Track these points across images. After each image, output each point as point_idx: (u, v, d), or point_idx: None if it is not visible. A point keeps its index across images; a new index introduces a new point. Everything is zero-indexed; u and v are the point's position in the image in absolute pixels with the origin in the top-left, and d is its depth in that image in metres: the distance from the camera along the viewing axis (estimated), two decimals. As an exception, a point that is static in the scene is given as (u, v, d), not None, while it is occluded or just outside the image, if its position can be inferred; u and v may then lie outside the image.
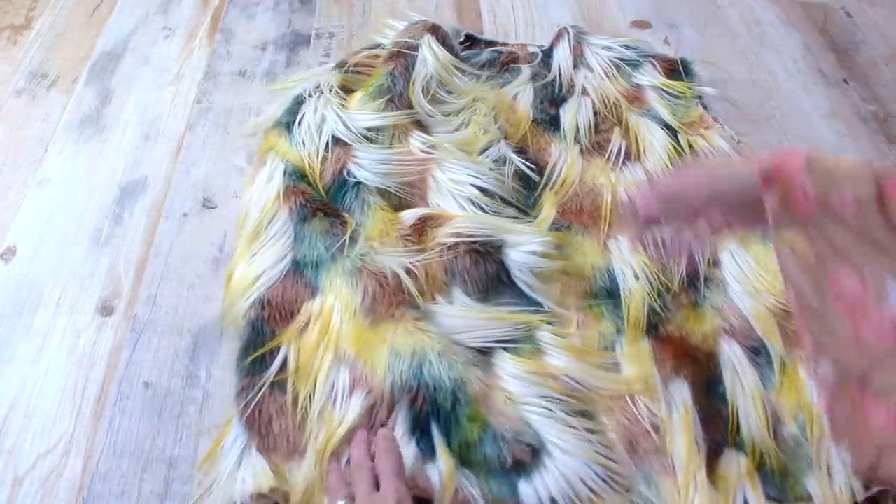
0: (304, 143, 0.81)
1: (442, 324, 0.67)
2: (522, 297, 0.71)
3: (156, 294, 0.74)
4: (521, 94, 0.92)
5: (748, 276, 0.73)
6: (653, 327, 0.70)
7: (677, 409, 0.63)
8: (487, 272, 0.70)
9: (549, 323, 0.69)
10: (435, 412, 0.61)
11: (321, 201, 0.76)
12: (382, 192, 0.78)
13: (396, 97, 0.86)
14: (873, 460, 0.45)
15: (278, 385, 0.64)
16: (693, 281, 0.74)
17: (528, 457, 0.59)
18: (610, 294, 0.73)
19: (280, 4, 1.11)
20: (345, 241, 0.71)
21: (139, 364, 0.69)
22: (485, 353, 0.66)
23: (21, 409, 0.66)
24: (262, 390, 0.63)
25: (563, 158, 0.84)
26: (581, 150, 0.86)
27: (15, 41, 1.04)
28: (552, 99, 0.92)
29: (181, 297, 0.74)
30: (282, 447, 0.61)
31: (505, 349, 0.66)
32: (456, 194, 0.77)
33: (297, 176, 0.78)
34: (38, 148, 0.89)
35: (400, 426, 0.61)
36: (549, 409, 0.61)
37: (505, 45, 1.02)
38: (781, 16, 1.12)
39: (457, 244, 0.71)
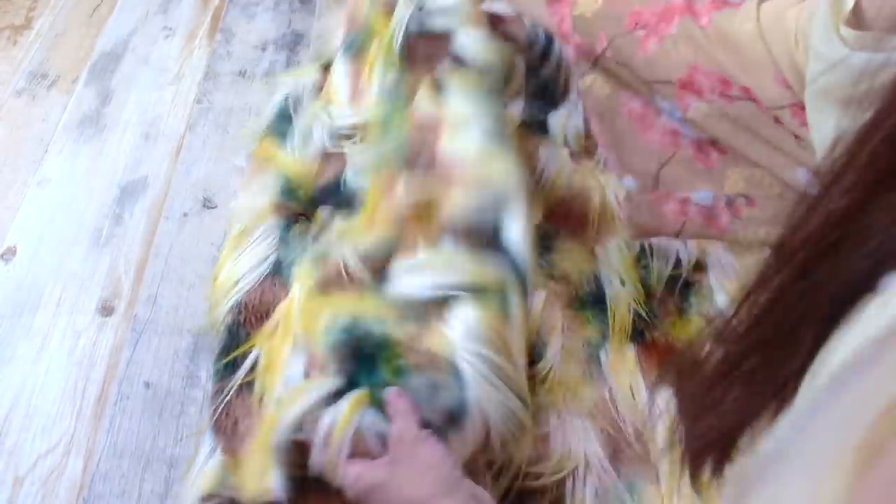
0: (297, 153, 0.81)
1: (400, 283, 0.63)
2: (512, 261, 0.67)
3: (156, 294, 0.74)
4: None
5: (734, 282, 0.73)
6: (639, 333, 0.70)
7: (661, 417, 0.63)
8: (482, 238, 0.67)
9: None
10: (360, 360, 0.59)
11: (308, 211, 0.76)
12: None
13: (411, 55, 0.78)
14: (669, 236, 0.66)
15: (248, 386, 0.64)
16: (680, 287, 0.74)
17: (442, 421, 0.54)
18: (596, 300, 0.72)
19: (280, 4, 1.11)
20: (315, 233, 0.71)
21: (139, 364, 0.69)
22: (441, 303, 0.62)
23: (21, 409, 0.66)
24: (231, 393, 0.63)
25: (553, 163, 0.84)
26: (571, 154, 0.86)
27: (15, 41, 1.04)
28: (543, 100, 0.91)
29: (181, 297, 0.74)
30: (249, 448, 0.60)
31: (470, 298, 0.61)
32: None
33: (291, 194, 0.78)
34: (38, 148, 0.89)
35: (330, 383, 0.58)
36: (483, 371, 0.56)
37: None
38: (781, 16, 1.12)
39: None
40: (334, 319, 0.63)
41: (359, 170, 0.77)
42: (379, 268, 0.66)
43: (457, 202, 0.67)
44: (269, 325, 0.67)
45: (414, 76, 0.77)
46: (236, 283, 0.70)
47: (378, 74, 0.79)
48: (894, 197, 0.23)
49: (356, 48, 0.84)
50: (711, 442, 0.29)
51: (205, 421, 0.63)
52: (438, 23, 0.77)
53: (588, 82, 0.67)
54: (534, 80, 0.92)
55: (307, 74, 0.90)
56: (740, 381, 0.27)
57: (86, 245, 0.79)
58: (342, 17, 0.88)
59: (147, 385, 0.67)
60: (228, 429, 0.62)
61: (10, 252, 0.78)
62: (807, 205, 0.25)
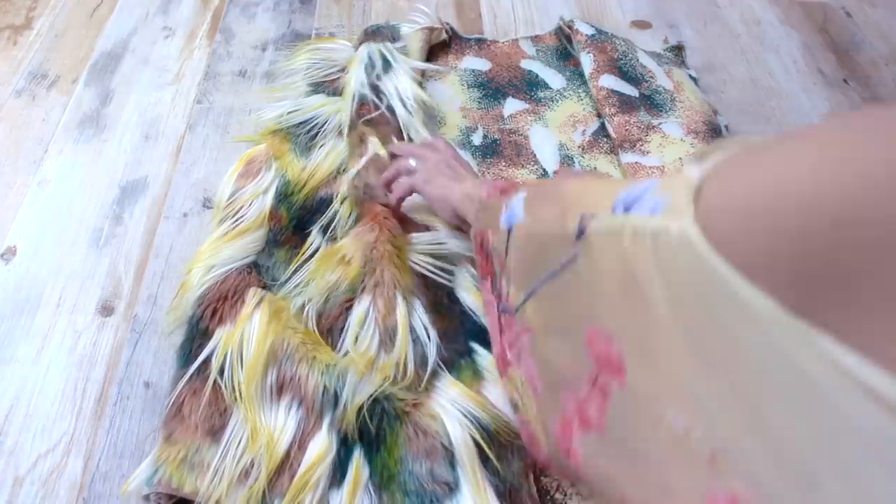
0: (308, 160, 0.83)
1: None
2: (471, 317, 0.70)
3: (156, 294, 0.74)
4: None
5: None
6: None
7: None
8: (437, 297, 0.71)
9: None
10: (360, 433, 0.61)
11: (294, 230, 0.77)
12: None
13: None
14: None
15: (198, 374, 0.64)
16: None
17: (445, 491, 0.58)
18: None
19: (280, 4, 1.11)
20: (299, 262, 0.73)
21: (139, 364, 0.69)
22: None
23: (21, 409, 0.66)
24: (184, 384, 0.63)
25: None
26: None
27: (15, 41, 1.04)
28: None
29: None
30: (189, 426, 0.61)
31: (449, 370, 0.66)
32: None
33: (286, 199, 0.79)
34: (38, 148, 0.89)
35: (325, 437, 0.61)
36: (474, 443, 0.60)
37: (494, 42, 1.02)
38: (781, 16, 1.12)
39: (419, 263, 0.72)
40: (330, 368, 0.64)
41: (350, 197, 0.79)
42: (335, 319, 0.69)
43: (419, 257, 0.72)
44: (239, 321, 0.66)
45: None
46: (210, 269, 0.71)
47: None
48: None
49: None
50: None
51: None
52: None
53: None
54: None
55: (341, 49, 0.95)
56: None
57: (86, 245, 0.78)
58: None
59: (147, 385, 0.67)
60: (173, 415, 0.62)
61: (10, 252, 0.78)
62: None
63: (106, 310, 0.73)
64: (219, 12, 1.09)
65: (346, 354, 0.65)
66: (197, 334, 0.67)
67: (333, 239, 0.76)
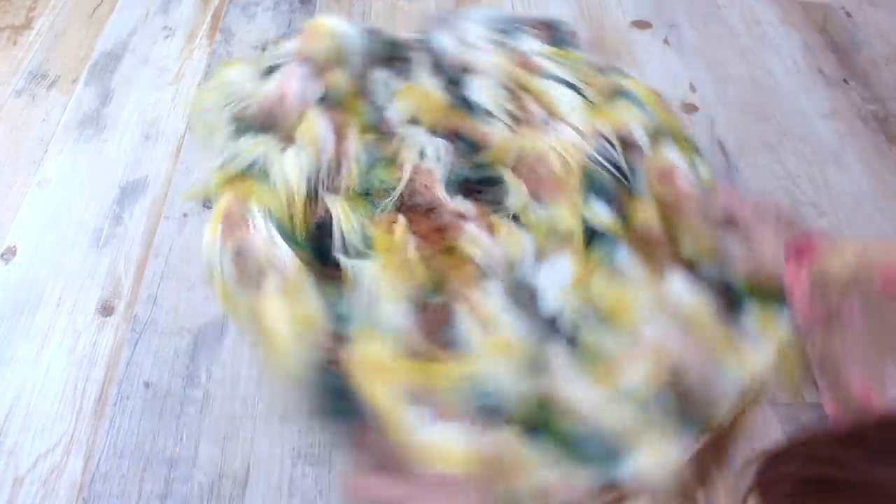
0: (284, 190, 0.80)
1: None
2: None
3: (156, 294, 0.74)
4: (427, 79, 0.89)
5: None
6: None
7: None
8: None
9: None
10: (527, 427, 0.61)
11: (319, 266, 0.76)
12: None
13: (385, 128, 0.84)
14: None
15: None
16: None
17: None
18: (593, 237, 0.71)
19: (280, 4, 1.11)
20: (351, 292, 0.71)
21: (139, 364, 0.69)
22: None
23: (22, 409, 0.66)
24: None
25: (500, 137, 0.82)
26: (505, 124, 0.84)
27: (15, 41, 1.04)
28: (452, 81, 0.88)
29: (181, 297, 0.74)
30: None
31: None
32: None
33: (291, 240, 0.77)
34: (38, 148, 0.89)
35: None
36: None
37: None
38: (781, 16, 1.12)
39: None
40: (456, 378, 0.64)
41: (352, 215, 0.78)
42: (437, 325, 0.68)
43: (490, 253, 0.71)
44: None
45: (389, 141, 0.82)
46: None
47: (356, 134, 0.82)
48: None
49: (332, 104, 0.85)
50: None
51: None
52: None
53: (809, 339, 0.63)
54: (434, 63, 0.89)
55: (248, 74, 0.89)
56: None
57: (86, 245, 0.79)
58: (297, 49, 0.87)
59: (147, 385, 0.67)
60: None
61: (10, 252, 0.78)
62: None
63: (106, 310, 0.73)
64: (219, 12, 1.09)
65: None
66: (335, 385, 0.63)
67: (358, 255, 0.75)
